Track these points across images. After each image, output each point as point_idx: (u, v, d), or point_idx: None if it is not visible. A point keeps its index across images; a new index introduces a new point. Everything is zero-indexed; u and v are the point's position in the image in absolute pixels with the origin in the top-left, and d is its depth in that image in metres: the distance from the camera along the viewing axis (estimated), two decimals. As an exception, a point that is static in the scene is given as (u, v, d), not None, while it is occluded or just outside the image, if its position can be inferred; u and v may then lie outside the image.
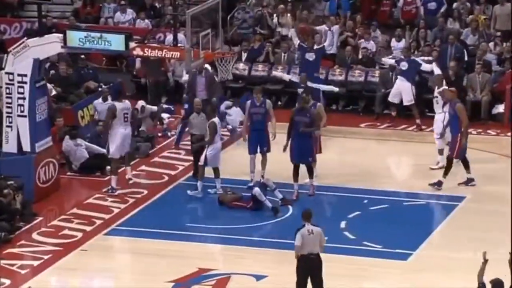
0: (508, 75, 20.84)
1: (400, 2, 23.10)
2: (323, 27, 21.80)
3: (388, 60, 20.75)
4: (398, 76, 20.38)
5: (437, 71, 19.53)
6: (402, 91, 20.31)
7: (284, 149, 16.53)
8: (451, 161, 16.99)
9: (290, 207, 16.32)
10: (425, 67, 20.02)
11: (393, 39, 22.20)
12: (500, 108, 20.62)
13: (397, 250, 14.90)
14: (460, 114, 16.93)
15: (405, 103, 20.39)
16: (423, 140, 19.80)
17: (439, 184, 17.01)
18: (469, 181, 17.18)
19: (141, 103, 20.00)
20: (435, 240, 15.33)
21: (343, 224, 15.86)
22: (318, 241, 12.86)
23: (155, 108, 20.19)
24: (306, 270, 12.87)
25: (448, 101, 17.14)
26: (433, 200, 16.82)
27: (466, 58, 21.38)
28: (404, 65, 20.25)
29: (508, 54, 21.36)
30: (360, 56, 21.91)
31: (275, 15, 22.95)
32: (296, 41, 20.58)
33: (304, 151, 16.43)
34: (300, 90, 19.57)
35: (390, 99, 20.48)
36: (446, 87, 17.81)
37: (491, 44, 21.68)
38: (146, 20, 23.36)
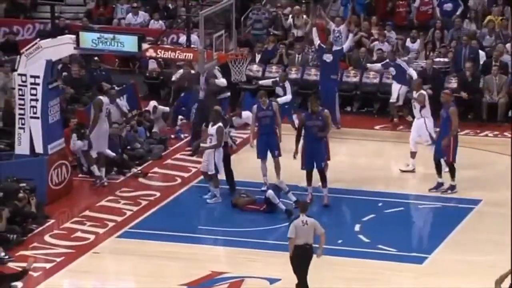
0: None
1: (416, 2, 23.00)
2: (331, 24, 21.71)
3: (374, 66, 20.55)
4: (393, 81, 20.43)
5: (415, 76, 19.72)
6: (399, 93, 20.28)
7: (295, 156, 16.31)
8: (452, 165, 16.85)
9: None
10: (411, 72, 20.08)
11: (408, 40, 22.11)
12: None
13: (412, 254, 14.83)
14: (452, 118, 16.79)
15: (400, 103, 20.36)
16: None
17: (452, 188, 16.90)
18: (438, 186, 17.05)
19: (153, 103, 19.98)
20: (450, 243, 15.22)
21: (357, 227, 15.79)
22: (313, 231, 13.07)
23: (167, 109, 20.16)
24: (302, 259, 13.08)
25: (443, 104, 16.91)
26: (449, 203, 16.71)
27: (482, 60, 21.24)
28: (392, 71, 20.29)
29: (525, 55, 21.27)
30: (374, 58, 21.81)
31: (290, 16, 22.87)
32: (317, 42, 20.48)
33: (316, 156, 16.26)
34: (278, 89, 19.48)
35: (391, 100, 20.39)
36: (424, 92, 17.68)
37: (508, 45, 21.55)
38: (160, 21, 23.33)
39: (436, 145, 17.02)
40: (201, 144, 17.23)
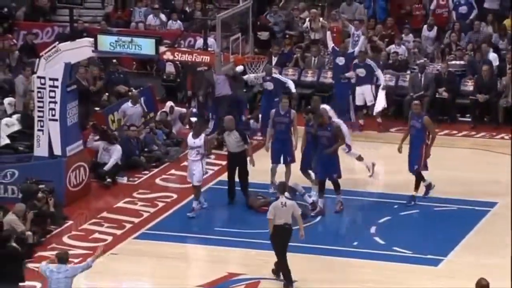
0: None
1: (432, 5, 23.00)
2: (351, 27, 21.72)
3: (348, 75, 20.30)
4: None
5: (381, 77, 19.81)
6: (364, 93, 20.24)
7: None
8: (420, 173, 16.64)
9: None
10: (378, 73, 20.12)
11: (425, 28, 22.09)
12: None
13: (428, 256, 14.82)
14: (429, 127, 16.65)
15: (368, 104, 20.37)
16: (455, 144, 19.70)
17: (412, 199, 16.64)
18: (428, 188, 16.83)
19: (169, 104, 20.04)
20: (466, 246, 15.24)
21: (373, 229, 15.81)
22: (291, 212, 13.83)
23: (184, 110, 20.23)
24: (282, 239, 13.81)
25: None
26: (465, 205, 16.70)
27: (497, 63, 21.24)
28: (362, 72, 20.21)
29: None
30: (390, 61, 21.83)
31: (307, 19, 22.89)
32: (331, 45, 20.58)
33: (329, 166, 16.17)
34: (266, 84, 19.21)
35: (356, 103, 20.34)
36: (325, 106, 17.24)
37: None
38: (179, 21, 23.40)
39: (414, 157, 16.61)
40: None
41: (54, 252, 14.92)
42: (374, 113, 20.41)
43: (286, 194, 14.43)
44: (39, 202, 15.74)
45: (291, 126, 16.93)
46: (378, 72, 20.25)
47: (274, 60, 22.11)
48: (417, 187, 16.72)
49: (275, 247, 13.94)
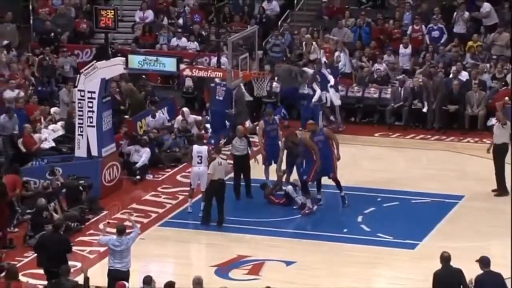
0: (501, 93, 20.58)
1: (409, 30, 22.92)
2: (338, 50, 21.63)
3: (314, 89, 19.86)
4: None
5: (318, 91, 19.49)
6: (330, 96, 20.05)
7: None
8: (306, 183, 15.60)
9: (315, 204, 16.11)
10: (330, 79, 19.92)
11: (401, 46, 21.99)
12: (494, 121, 20.28)
13: (406, 241, 14.74)
14: (332, 137, 15.87)
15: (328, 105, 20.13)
16: (428, 147, 19.60)
17: (302, 206, 15.84)
18: (317, 201, 15.98)
19: (185, 109, 19.90)
20: (438, 232, 15.13)
21: (360, 218, 15.71)
22: (225, 170, 15.01)
23: (199, 118, 20.12)
24: (214, 191, 15.00)
25: (315, 133, 15.90)
26: (437, 198, 16.58)
27: (465, 79, 21.09)
28: (318, 78, 20.10)
29: (500, 75, 21.09)
30: (375, 76, 21.74)
31: (304, 43, 22.72)
32: (323, 60, 20.58)
33: (325, 166, 15.75)
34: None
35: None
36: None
37: (487, 66, 21.40)
38: (196, 43, 23.36)
39: (322, 166, 15.60)
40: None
41: (92, 238, 14.99)
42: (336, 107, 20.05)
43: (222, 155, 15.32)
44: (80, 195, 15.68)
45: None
46: (330, 77, 19.98)
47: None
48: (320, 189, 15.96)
49: (207, 196, 15.03)
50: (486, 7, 22.59)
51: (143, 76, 20.84)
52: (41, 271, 12.72)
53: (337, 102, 20.17)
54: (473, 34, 22.26)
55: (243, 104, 19.26)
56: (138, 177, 17.59)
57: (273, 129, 16.86)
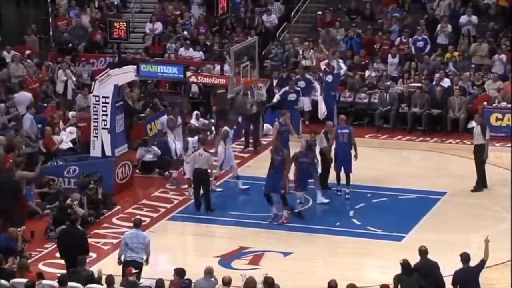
0: (480, 98, 20.58)
1: (396, 41, 22.91)
2: (332, 59, 21.63)
3: (283, 94, 19.90)
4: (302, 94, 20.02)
5: (318, 88, 19.65)
6: (303, 101, 20.13)
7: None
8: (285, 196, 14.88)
9: (310, 199, 16.04)
10: (315, 84, 20.04)
11: (389, 56, 21.97)
12: (473, 124, 20.25)
13: (393, 233, 14.71)
14: (286, 160, 14.97)
15: (306, 109, 20.22)
16: (414, 148, 19.59)
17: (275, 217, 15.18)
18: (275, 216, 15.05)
19: (196, 112, 19.85)
20: (423, 225, 15.10)
21: (351, 213, 15.70)
22: (207, 161, 15.20)
23: (207, 121, 20.08)
24: (198, 180, 15.26)
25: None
26: (422, 194, 16.55)
27: (447, 85, 21.08)
28: (302, 84, 20.09)
29: (479, 82, 21.08)
30: (366, 82, 21.74)
31: (300, 50, 22.72)
32: (323, 67, 20.59)
33: (345, 163, 16.04)
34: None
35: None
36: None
37: (466, 74, 21.40)
38: (201, 52, 23.37)
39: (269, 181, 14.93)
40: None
41: (106, 231, 14.97)
42: (320, 117, 19.88)
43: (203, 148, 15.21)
44: (90, 191, 15.64)
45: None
46: (315, 84, 19.96)
47: (275, 82, 21.96)
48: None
49: (195, 184, 15.27)
50: (474, 19, 22.61)
51: (149, 82, 20.77)
52: (61, 261, 12.69)
53: (323, 109, 19.84)
54: (453, 44, 22.23)
55: (243, 110, 19.14)
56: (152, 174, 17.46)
57: (285, 130, 16.83)
